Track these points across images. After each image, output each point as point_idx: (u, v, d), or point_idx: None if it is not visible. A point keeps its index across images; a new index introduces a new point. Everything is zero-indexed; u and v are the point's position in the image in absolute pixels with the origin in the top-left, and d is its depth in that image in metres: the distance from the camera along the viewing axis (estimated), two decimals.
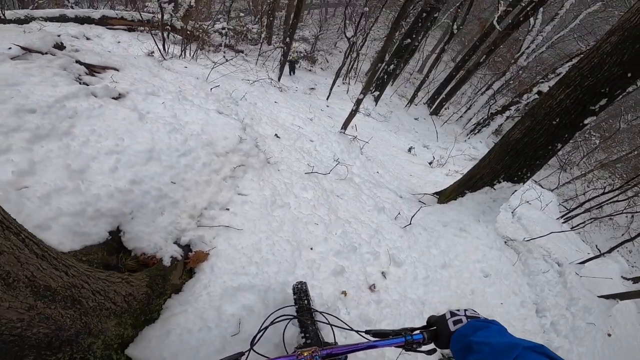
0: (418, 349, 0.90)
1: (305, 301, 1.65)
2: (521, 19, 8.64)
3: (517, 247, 4.08)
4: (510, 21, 9.20)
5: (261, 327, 1.07)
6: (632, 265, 10.92)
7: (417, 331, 0.90)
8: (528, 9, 8.29)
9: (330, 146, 4.58)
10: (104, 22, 6.48)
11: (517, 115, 10.09)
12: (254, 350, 0.95)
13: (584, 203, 7.77)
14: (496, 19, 7.84)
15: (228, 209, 2.27)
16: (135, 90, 2.75)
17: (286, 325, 1.38)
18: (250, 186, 2.54)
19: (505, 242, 4.06)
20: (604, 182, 11.41)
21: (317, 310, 1.40)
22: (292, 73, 10.77)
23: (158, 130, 2.31)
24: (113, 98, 2.48)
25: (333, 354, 0.89)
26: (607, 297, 3.93)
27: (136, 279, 1.51)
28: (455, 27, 9.59)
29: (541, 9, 8.79)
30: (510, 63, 10.19)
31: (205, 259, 1.91)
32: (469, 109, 11.33)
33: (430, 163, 6.89)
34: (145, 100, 2.67)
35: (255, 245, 2.07)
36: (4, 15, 4.68)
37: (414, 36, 8.41)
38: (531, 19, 9.14)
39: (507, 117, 9.52)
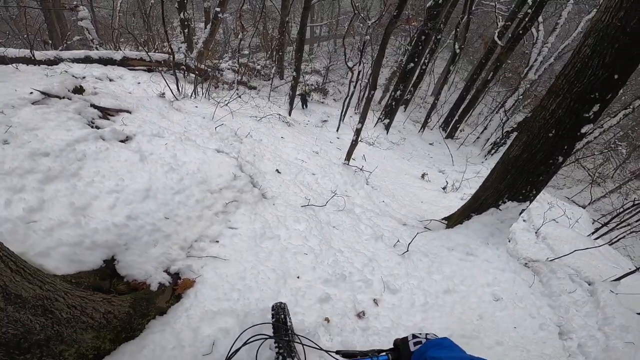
0: None
1: (283, 321, 1.74)
2: (520, 32, 8.75)
3: (539, 268, 3.90)
4: (510, 35, 9.33)
5: (232, 346, 1.17)
6: None
7: (383, 353, 1.02)
8: (525, 20, 8.41)
9: (332, 178, 4.73)
10: (125, 63, 7.12)
11: None
12: None
13: (615, 216, 7.28)
14: (496, 34, 7.99)
15: (217, 241, 2.44)
16: (142, 132, 3.10)
17: (260, 346, 1.45)
18: (242, 220, 2.73)
19: (526, 264, 3.92)
20: None
21: (293, 333, 1.48)
22: (304, 106, 11.14)
23: (156, 170, 2.59)
24: (120, 141, 2.82)
25: None
26: None
27: (119, 300, 1.71)
28: (457, 47, 9.82)
29: (541, 19, 8.89)
30: (521, 78, 10.18)
31: (192, 286, 2.07)
32: (485, 129, 11.24)
33: (444, 188, 6.84)
34: (149, 141, 3.00)
35: (239, 273, 2.21)
36: (33, 56, 5.29)
37: (416, 59, 8.68)
38: (534, 31, 9.24)
39: None
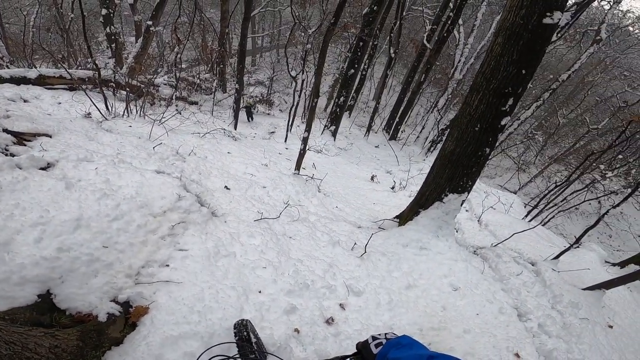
0: None
1: (247, 339, 1.72)
2: (445, 34, 9.74)
3: (486, 254, 4.20)
4: (436, 38, 10.33)
5: None
6: (617, 249, 11.50)
7: (348, 359, 1.05)
8: (448, 23, 9.40)
9: (284, 189, 4.76)
10: (41, 81, 6.42)
11: None
12: None
13: (542, 198, 8.35)
14: (425, 38, 8.77)
15: (168, 265, 2.32)
16: (66, 157, 2.84)
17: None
18: (192, 241, 2.62)
19: (474, 251, 4.21)
20: (561, 176, 12.41)
21: (259, 350, 1.46)
22: (250, 119, 11.05)
23: (87, 198, 2.40)
24: (40, 168, 2.56)
25: None
26: (592, 288, 3.97)
27: (63, 334, 1.59)
28: (392, 51, 10.59)
29: (461, 21, 9.97)
30: (448, 78, 11.28)
31: (146, 313, 1.96)
32: (423, 128, 12.18)
33: (392, 188, 7.24)
34: (76, 167, 2.76)
35: (197, 295, 2.13)
36: None
37: (356, 65, 9.17)
38: (456, 33, 10.33)
39: None
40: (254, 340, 1.78)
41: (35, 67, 6.90)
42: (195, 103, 10.71)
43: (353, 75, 9.37)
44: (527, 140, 13.34)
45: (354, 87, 10.60)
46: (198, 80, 11.50)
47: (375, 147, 11.47)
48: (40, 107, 5.13)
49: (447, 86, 11.32)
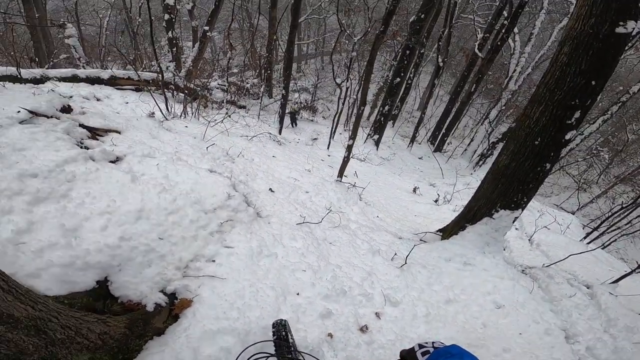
0: None
1: (285, 338, 1.71)
2: (498, 43, 9.15)
3: (536, 274, 3.92)
4: (489, 47, 9.74)
5: None
6: None
7: None
8: (502, 32, 8.81)
9: (326, 195, 4.76)
10: (112, 82, 7.00)
11: None
12: None
13: (604, 221, 7.48)
14: (477, 46, 8.32)
15: (214, 261, 2.41)
16: (132, 153, 3.09)
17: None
18: (238, 239, 2.70)
19: (523, 270, 3.94)
20: (627, 197, 11.02)
21: (295, 350, 1.46)
22: (294, 125, 11.17)
23: (149, 191, 2.57)
24: (110, 161, 2.80)
25: None
26: None
27: (114, 320, 1.67)
28: (440, 60, 10.20)
29: (516, 29, 9.32)
30: (502, 89, 10.59)
31: (189, 306, 2.03)
32: (472, 140, 11.57)
33: (436, 201, 6.94)
34: (140, 162, 2.98)
35: (238, 292, 2.18)
36: (20, 74, 5.22)
37: (402, 74, 8.97)
38: (511, 42, 9.67)
39: None
40: (291, 340, 1.77)
41: (109, 69, 7.61)
42: (243, 107, 11.09)
43: (399, 84, 9.19)
44: (590, 157, 12.04)
45: (399, 96, 10.37)
46: (247, 85, 11.96)
47: (419, 158, 11.11)
48: (110, 105, 5.61)
49: (500, 97, 10.65)
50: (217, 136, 5.24)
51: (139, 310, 1.84)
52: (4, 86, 3.27)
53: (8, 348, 1.14)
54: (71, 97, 5.09)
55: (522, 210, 3.64)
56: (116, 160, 2.87)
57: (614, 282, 4.29)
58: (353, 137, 4.85)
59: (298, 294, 2.42)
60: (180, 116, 6.02)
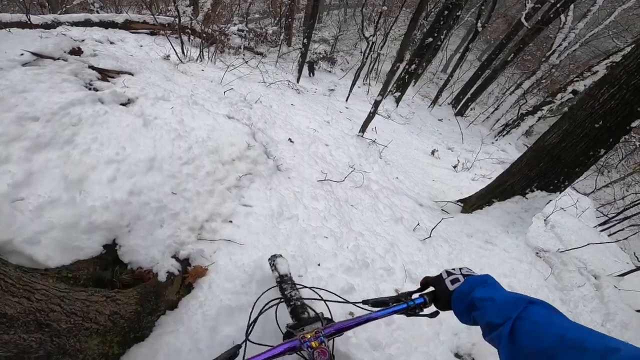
0: (420, 313, 0.88)
1: (287, 277, 1.57)
2: (551, 15, 8.06)
3: (550, 260, 3.76)
4: (539, 18, 8.60)
5: (250, 319, 1.02)
6: None
7: (416, 295, 0.88)
8: (558, 5, 7.68)
9: (346, 150, 4.38)
10: (127, 26, 6.49)
11: (550, 116, 9.39)
12: (250, 341, 0.93)
13: (623, 210, 7.05)
14: (524, 16, 7.31)
15: (231, 221, 2.14)
16: (145, 95, 2.69)
17: (276, 309, 1.23)
18: (257, 196, 2.40)
19: (537, 253, 3.74)
20: None
21: (304, 286, 1.34)
22: (311, 74, 10.63)
23: (162, 137, 2.22)
24: (121, 104, 2.42)
25: (339, 329, 0.85)
26: None
27: (124, 297, 1.41)
28: (479, 25, 9.04)
29: (572, 5, 8.16)
30: (541, 61, 9.50)
31: (204, 274, 1.79)
32: (496, 109, 10.70)
33: (454, 167, 6.51)
34: (154, 105, 2.60)
35: (257, 261, 1.92)
36: (29, 20, 4.75)
37: (435, 35, 8.02)
38: (562, 16, 8.49)
39: (539, 118, 8.85)
40: (289, 274, 1.63)
41: (124, 12, 6.93)
42: (261, 54, 10.38)
43: (430, 44, 8.23)
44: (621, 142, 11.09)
45: (427, 56, 9.40)
46: (266, 32, 11.03)
47: (439, 120, 10.37)
48: (124, 48, 5.13)
49: (536, 69, 9.56)
50: (235, 81, 4.74)
51: (150, 281, 1.58)
52: (9, 31, 2.81)
53: (7, 350, 0.92)
54: (83, 40, 4.63)
55: (560, 194, 3.26)
56: (127, 103, 2.49)
57: (620, 275, 4.21)
58: (383, 93, 4.33)
59: (319, 264, 2.18)
60: (197, 60, 5.47)
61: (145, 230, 1.78)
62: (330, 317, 1.13)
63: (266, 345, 0.83)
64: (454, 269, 0.85)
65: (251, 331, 0.97)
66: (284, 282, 1.53)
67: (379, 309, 0.89)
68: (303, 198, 2.70)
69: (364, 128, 4.86)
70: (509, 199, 3.41)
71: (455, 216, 3.68)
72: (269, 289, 1.30)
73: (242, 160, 2.58)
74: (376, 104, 4.40)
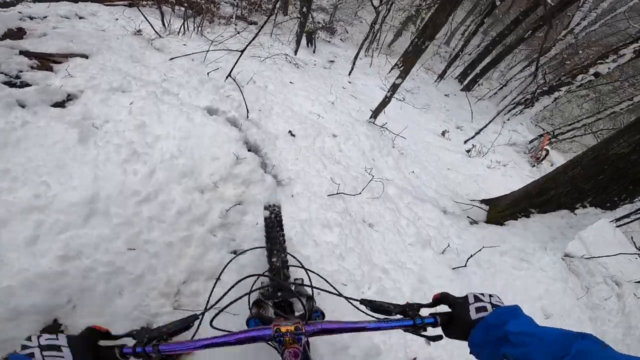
0: (422, 333, 0.72)
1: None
2: None
3: (577, 269, 3.47)
4: None
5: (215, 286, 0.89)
6: None
7: (428, 313, 0.72)
8: None
9: (357, 142, 3.68)
10: None
11: (567, 97, 8.62)
12: (214, 327, 0.73)
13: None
14: None
15: (220, 279, 1.49)
16: (95, 86, 1.93)
17: (253, 283, 0.94)
18: (252, 236, 1.73)
19: (563, 257, 3.30)
20: None
21: (293, 256, 1.14)
22: (310, 45, 9.65)
23: (108, 159, 1.51)
24: (55, 104, 1.67)
25: (324, 329, 0.69)
26: None
27: None
28: None
29: None
30: (556, 40, 8.58)
31: None
32: (504, 85, 9.86)
33: (468, 152, 5.88)
34: (104, 101, 1.85)
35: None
36: None
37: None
38: None
39: (556, 99, 8.09)
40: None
41: None
42: (255, 23, 9.27)
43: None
44: None
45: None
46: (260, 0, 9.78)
47: (445, 95, 9.51)
48: (96, 23, 4.16)
49: (550, 47, 8.64)
50: (222, 58, 3.89)
51: None
52: None
53: None
54: (45, 17, 3.66)
55: (614, 211, 2.67)
56: (66, 101, 1.74)
57: (638, 282, 3.93)
58: (404, 75, 3.55)
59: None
60: (178, 33, 4.51)
61: (97, 305, 1.19)
62: (322, 311, 0.97)
63: (226, 332, 0.68)
64: (482, 295, 0.70)
65: (211, 306, 0.77)
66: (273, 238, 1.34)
67: (378, 317, 0.73)
68: (312, 228, 2.05)
69: (376, 114, 4.13)
70: (552, 212, 2.81)
71: (486, 228, 3.09)
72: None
73: (229, 182, 1.87)
74: (394, 87, 3.64)
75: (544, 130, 9.77)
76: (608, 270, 3.87)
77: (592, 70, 7.24)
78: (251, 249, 1.15)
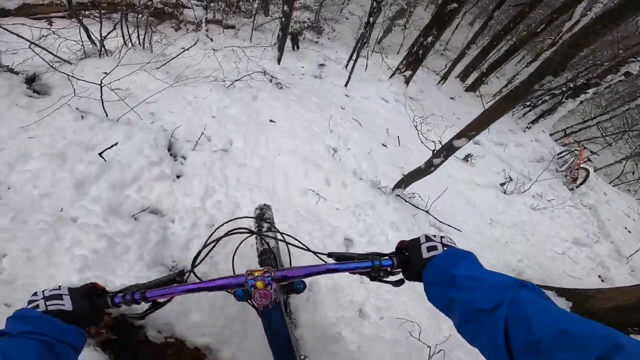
0: (384, 279, 0.71)
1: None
2: None
3: None
4: None
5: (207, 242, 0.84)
6: None
7: (386, 257, 0.69)
8: None
9: (382, 239, 2.27)
10: (24, 12, 3.88)
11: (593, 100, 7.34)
12: (194, 274, 0.79)
13: None
14: None
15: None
16: None
17: (240, 244, 0.98)
18: None
19: None
20: None
21: (277, 230, 1.05)
22: (295, 48, 8.21)
23: None
24: None
25: (288, 276, 0.70)
26: None
27: None
28: None
29: None
30: (561, 33, 7.33)
31: None
32: (509, 82, 8.56)
33: (502, 185, 4.49)
34: None
35: None
36: None
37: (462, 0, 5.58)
38: None
39: (581, 102, 6.78)
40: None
41: None
42: (232, 27, 7.75)
43: (453, 11, 5.77)
44: None
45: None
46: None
47: (451, 98, 8.09)
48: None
49: (555, 41, 7.39)
50: (162, 92, 2.44)
51: None
52: None
53: None
54: None
55: None
56: None
57: None
58: (474, 134, 2.11)
59: None
60: (100, 55, 2.97)
61: None
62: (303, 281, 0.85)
63: (204, 281, 0.70)
64: (434, 235, 0.66)
65: (200, 261, 0.79)
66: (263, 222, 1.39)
67: (340, 262, 0.71)
68: None
69: (407, 183, 2.70)
70: None
71: None
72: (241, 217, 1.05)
73: None
74: (429, 165, 2.19)
75: (564, 132, 8.51)
76: None
77: (622, 70, 5.96)
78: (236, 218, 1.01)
